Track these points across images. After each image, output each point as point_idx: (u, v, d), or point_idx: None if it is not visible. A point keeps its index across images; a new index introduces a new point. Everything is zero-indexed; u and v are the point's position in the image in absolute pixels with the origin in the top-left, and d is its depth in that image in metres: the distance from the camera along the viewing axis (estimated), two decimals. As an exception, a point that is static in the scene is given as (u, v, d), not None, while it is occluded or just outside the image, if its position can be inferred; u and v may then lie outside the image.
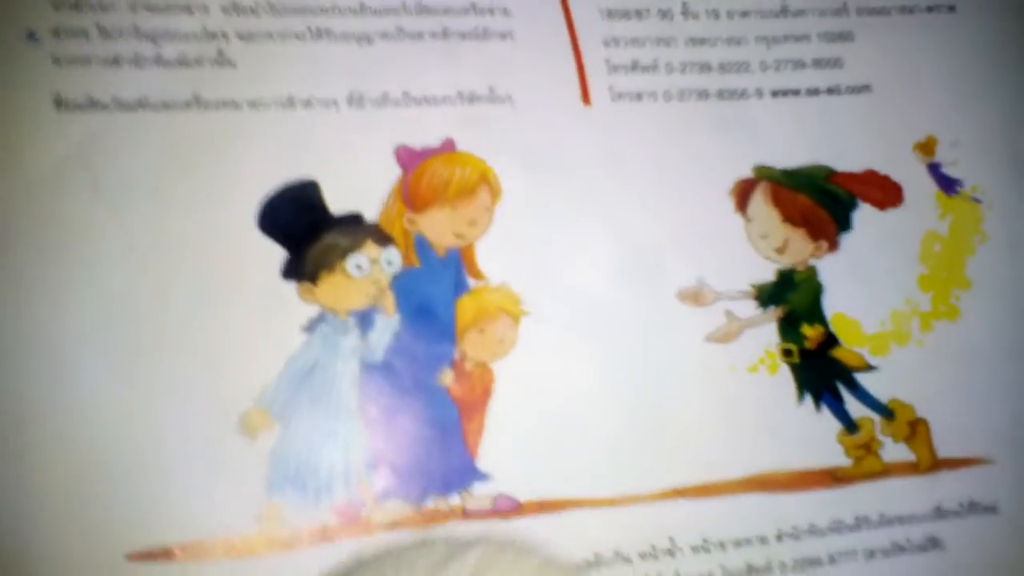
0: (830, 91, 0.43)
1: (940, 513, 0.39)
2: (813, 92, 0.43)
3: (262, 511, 0.34)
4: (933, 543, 0.39)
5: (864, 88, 0.44)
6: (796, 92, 0.43)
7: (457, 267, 0.37)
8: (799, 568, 0.37)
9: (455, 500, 0.35)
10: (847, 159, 0.43)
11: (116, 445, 0.33)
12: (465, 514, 0.35)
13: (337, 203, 0.37)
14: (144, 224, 0.35)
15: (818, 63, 0.44)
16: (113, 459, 0.33)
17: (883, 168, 0.43)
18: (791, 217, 0.41)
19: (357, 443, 0.35)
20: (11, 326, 0.33)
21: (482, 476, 0.36)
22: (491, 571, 0.28)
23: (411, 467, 0.35)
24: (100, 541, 0.32)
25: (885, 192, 0.43)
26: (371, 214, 0.37)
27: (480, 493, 0.36)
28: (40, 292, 0.34)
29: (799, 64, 0.43)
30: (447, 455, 0.36)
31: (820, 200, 0.42)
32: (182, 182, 0.35)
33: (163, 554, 0.33)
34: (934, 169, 0.43)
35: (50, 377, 0.33)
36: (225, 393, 0.34)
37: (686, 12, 0.42)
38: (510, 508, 0.36)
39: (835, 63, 0.44)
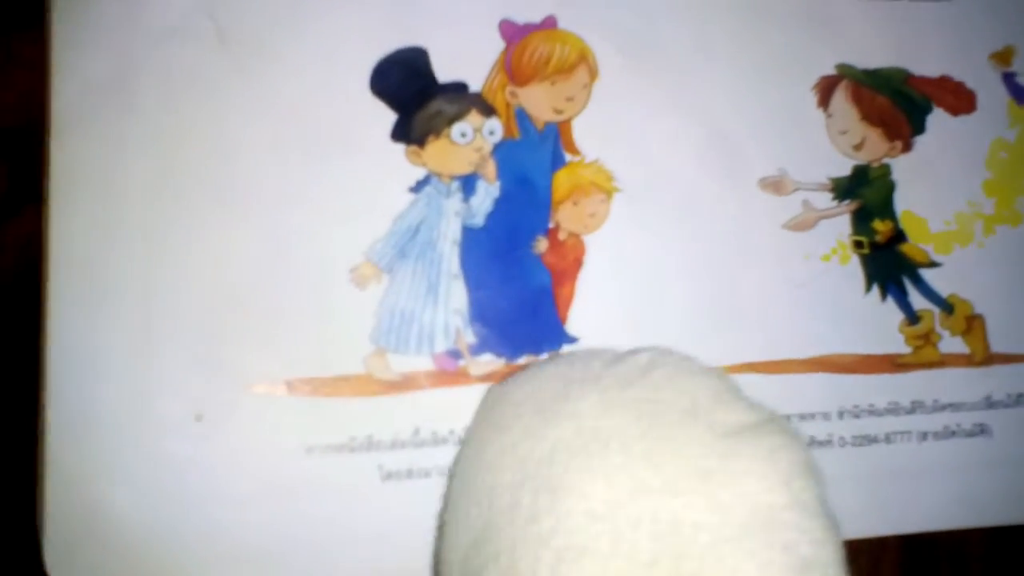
0: (912, -5, 0.44)
1: (990, 403, 0.41)
2: (897, -5, 0.44)
3: (368, 355, 0.36)
4: (981, 430, 0.41)
5: (946, -6, 0.45)
6: (880, -6, 0.44)
7: (555, 141, 0.39)
8: (857, 444, 0.40)
9: (545, 359, 0.37)
10: (924, 64, 0.44)
11: (238, 285, 0.35)
12: (554, 372, 0.37)
13: (444, 71, 0.38)
14: (265, 81, 0.36)
15: (902, -33, 0.45)
16: (235, 298, 0.35)
17: (958, 75, 0.44)
18: (869, 116, 0.43)
19: (456, 299, 0.37)
20: (139, 171, 0.35)
21: (571, 339, 0.38)
22: (661, 365, 0.30)
23: (506, 325, 0.37)
24: (223, 372, 0.34)
25: (958, 98, 0.44)
26: (475, 84, 0.38)
27: (568, 354, 0.38)
28: (165, 140, 0.35)
29: (884, -33, 0.44)
30: (539, 317, 0.38)
31: (897, 101, 0.43)
32: (300, 41, 0.37)
33: (280, 387, 0.35)
34: (1008, 79, 0.44)
35: (177, 218, 0.35)
36: (338, 244, 0.36)
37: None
38: (595, 370, 0.38)
39: (918, -32, 0.45)
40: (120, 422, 0.33)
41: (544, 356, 0.38)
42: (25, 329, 0.33)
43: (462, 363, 0.37)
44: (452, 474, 0.33)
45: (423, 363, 0.36)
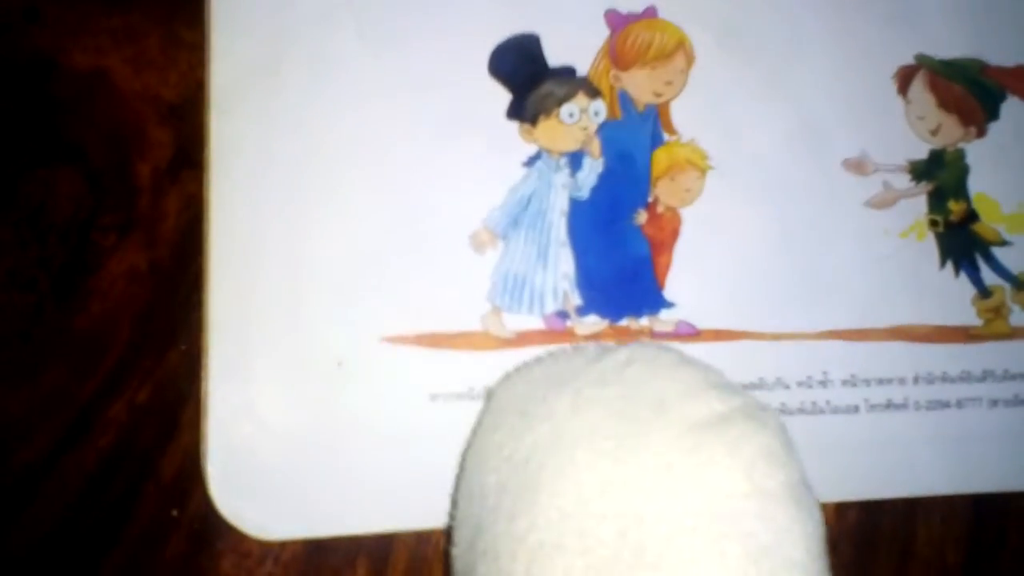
0: (990, -12, 0.47)
1: (1057, 375, 0.44)
2: (974, -11, 0.47)
3: (486, 313, 0.40)
4: (1048, 399, 0.44)
5: (1022, -12, 0.47)
6: (959, -12, 0.47)
7: (654, 122, 0.42)
8: (931, 408, 0.43)
9: (644, 322, 0.41)
10: (1000, 54, 0.46)
11: (373, 247, 0.39)
12: (652, 334, 0.41)
13: (555, 57, 0.42)
14: (398, 67, 0.40)
15: (981, -38, 0.47)
16: (371, 259, 0.39)
17: (1033, 64, 0.47)
18: (945, 103, 0.46)
19: (564, 265, 0.41)
20: (288, 145, 0.39)
21: (668, 304, 0.41)
22: (638, 362, 0.31)
23: (609, 290, 0.41)
24: (361, 325, 0.38)
25: (1032, 87, 0.47)
26: (583, 69, 0.42)
27: (665, 318, 0.41)
28: (312, 118, 0.39)
29: (964, -37, 0.47)
30: (639, 283, 0.41)
31: (972, 90, 0.46)
32: (428, 31, 0.41)
33: (410, 339, 0.39)
34: (1080, 69, 0.47)
35: (323, 185, 0.39)
36: (459, 213, 0.40)
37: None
38: (689, 333, 0.41)
39: (997, -37, 0.47)
40: (273, 365, 0.37)
41: (643, 319, 0.41)
42: (189, 281, 0.38)
43: (569, 323, 0.40)
44: (457, 473, 0.35)
45: (534, 322, 0.40)
